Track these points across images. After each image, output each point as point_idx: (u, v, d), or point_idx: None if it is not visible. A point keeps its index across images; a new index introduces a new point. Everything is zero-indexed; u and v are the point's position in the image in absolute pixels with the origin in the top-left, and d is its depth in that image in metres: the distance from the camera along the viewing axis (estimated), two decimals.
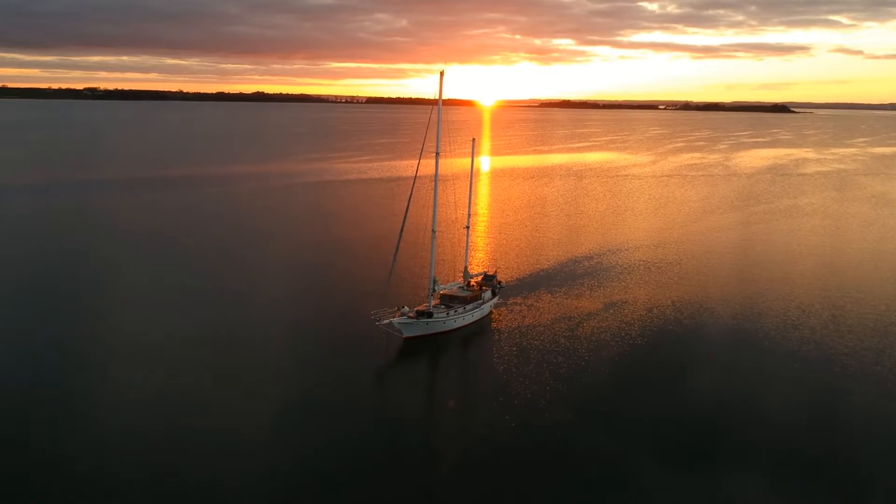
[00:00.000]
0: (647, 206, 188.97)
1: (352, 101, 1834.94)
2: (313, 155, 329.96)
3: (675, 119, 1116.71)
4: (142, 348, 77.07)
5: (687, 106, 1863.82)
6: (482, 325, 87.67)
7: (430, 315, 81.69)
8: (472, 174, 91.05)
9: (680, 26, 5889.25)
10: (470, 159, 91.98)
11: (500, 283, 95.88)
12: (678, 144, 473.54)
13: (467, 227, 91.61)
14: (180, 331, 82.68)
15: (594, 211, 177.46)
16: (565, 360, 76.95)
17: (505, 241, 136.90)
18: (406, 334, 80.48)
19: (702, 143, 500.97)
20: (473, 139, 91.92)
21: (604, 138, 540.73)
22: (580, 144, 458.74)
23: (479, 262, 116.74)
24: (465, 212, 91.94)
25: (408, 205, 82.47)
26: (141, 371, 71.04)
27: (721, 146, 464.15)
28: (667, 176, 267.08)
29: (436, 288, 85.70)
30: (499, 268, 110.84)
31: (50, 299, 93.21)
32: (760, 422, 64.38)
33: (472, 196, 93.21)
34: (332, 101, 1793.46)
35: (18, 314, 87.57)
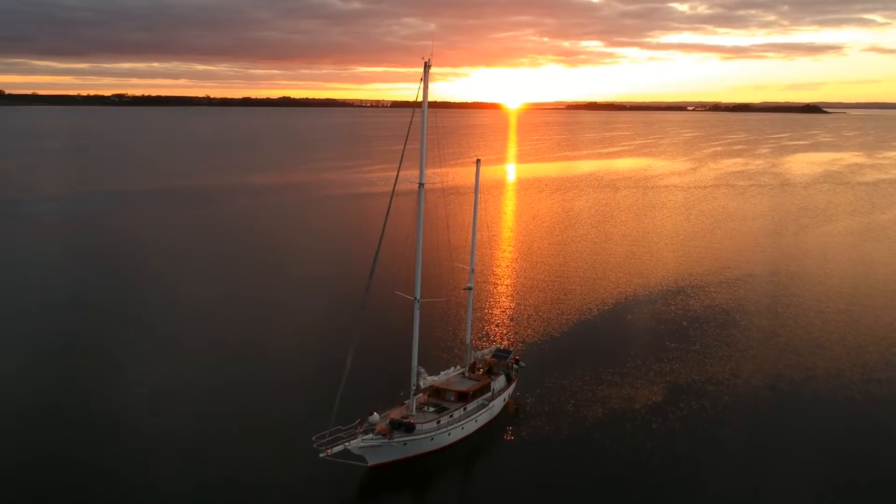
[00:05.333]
0: (699, 225, 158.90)
1: (377, 105, 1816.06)
2: (325, 164, 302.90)
3: (706, 120, 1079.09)
4: None
5: (716, 107, 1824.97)
6: (492, 434, 59.45)
7: (409, 427, 53.62)
8: (476, 213, 61.97)
9: (710, 27, 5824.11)
10: (475, 183, 63.77)
11: (518, 361, 67.59)
12: (716, 148, 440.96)
13: (470, 289, 62.83)
14: None
15: (636, 234, 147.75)
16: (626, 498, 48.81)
17: (523, 293, 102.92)
18: (372, 461, 52.56)
19: (740, 146, 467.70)
20: (478, 160, 63.37)
21: (635, 142, 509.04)
22: (610, 149, 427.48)
23: (487, 332, 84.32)
24: (467, 265, 62.88)
25: (374, 263, 53.98)
26: None
27: (762, 150, 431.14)
28: (712, 186, 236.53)
29: (421, 383, 57.70)
30: (516, 338, 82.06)
31: (75, 307, 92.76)
32: None
33: (479, 228, 64.43)
34: (358, 106, 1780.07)
35: (59, 319, 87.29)
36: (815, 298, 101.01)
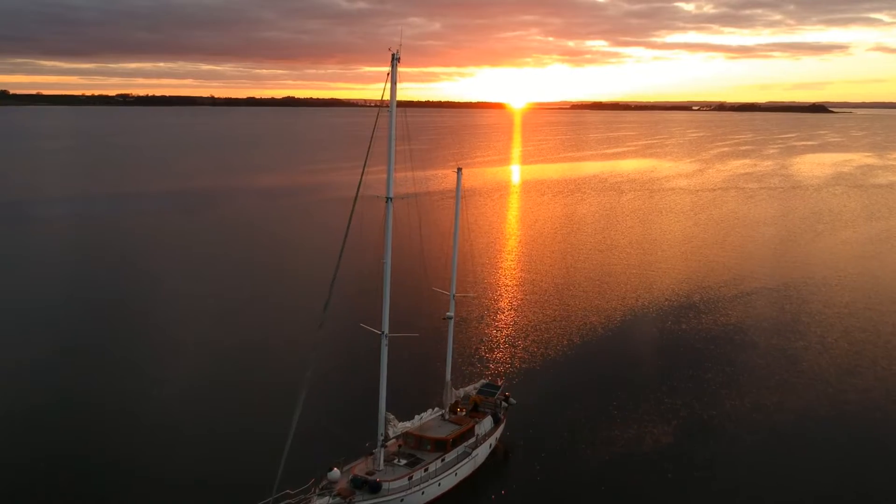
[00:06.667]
0: (709, 232, 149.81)
1: (380, 104, 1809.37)
2: (326, 165, 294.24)
3: (712, 120, 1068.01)
4: None
5: (722, 107, 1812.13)
6: (476, 488, 50.89)
7: (375, 487, 45.15)
8: (457, 230, 53.23)
9: (715, 26, 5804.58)
10: (456, 196, 55.28)
11: (507, 398, 59.02)
12: (723, 149, 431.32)
13: (450, 317, 54.24)
14: None
15: (643, 243, 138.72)
16: None
17: (514, 316, 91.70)
18: None
19: (748, 147, 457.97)
20: (459, 169, 54.85)
21: (640, 143, 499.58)
22: (615, 150, 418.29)
23: (471, 366, 72.30)
24: (447, 290, 54.15)
25: (330, 291, 45.41)
26: None
27: (770, 150, 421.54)
28: (721, 189, 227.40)
29: (390, 431, 49.17)
30: (506, 370, 72.76)
31: (75, 306, 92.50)
32: None
33: (466, 242, 55.90)
34: (362, 105, 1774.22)
35: (60, 319, 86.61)
36: (838, 315, 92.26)
